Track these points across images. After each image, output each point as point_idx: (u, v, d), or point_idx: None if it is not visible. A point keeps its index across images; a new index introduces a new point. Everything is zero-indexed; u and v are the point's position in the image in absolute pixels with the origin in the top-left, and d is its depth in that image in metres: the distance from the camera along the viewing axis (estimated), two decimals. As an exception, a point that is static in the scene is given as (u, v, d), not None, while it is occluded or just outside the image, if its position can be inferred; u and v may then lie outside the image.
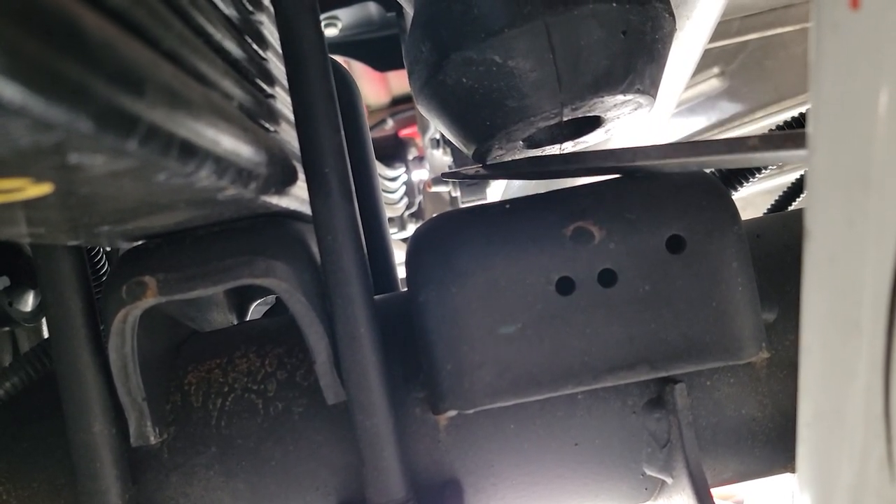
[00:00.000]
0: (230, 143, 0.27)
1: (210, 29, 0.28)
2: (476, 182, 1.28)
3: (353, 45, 1.33)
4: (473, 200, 1.21)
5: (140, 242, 0.37)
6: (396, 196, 1.28)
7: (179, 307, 0.45)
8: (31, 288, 0.51)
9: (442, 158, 1.25)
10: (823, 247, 0.21)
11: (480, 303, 0.37)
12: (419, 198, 1.61)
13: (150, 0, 0.21)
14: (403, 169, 1.48)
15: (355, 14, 1.24)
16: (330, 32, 1.30)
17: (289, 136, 0.40)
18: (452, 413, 0.39)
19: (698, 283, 0.37)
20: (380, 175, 1.25)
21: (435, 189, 1.35)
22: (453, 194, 1.23)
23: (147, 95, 0.19)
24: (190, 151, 0.23)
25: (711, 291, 0.37)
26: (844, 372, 0.22)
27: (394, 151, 1.59)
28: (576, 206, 0.38)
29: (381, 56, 1.27)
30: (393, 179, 1.31)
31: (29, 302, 0.51)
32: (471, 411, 0.38)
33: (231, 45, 0.31)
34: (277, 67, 0.41)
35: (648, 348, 0.37)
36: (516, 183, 1.03)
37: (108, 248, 0.51)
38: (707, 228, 0.37)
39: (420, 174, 1.63)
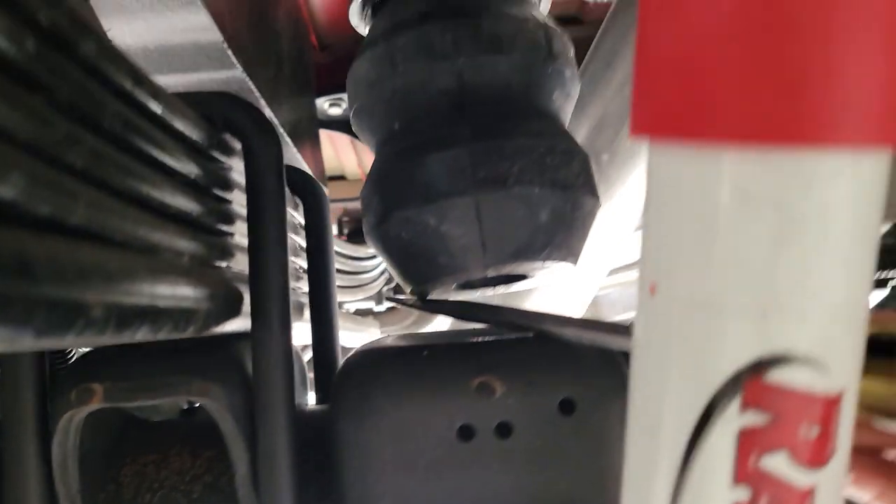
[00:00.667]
0: (169, 301, 0.32)
1: (166, 199, 0.33)
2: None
3: (344, 122, 1.40)
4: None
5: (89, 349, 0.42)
6: (375, 273, 1.34)
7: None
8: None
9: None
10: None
11: (389, 439, 0.41)
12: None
13: (95, 205, 0.26)
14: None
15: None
16: (334, 112, 1.37)
17: (243, 264, 0.46)
18: (354, 534, 0.43)
19: (584, 445, 0.42)
20: (355, 257, 1.30)
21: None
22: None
23: (88, 286, 0.24)
24: (127, 323, 0.27)
25: (596, 453, 0.42)
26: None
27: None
28: (484, 360, 0.43)
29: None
30: (371, 258, 1.36)
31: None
32: (370, 534, 0.42)
33: (190, 205, 0.36)
34: (241, 202, 0.46)
35: (534, 498, 0.42)
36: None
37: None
38: (597, 395, 0.42)
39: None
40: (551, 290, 0.82)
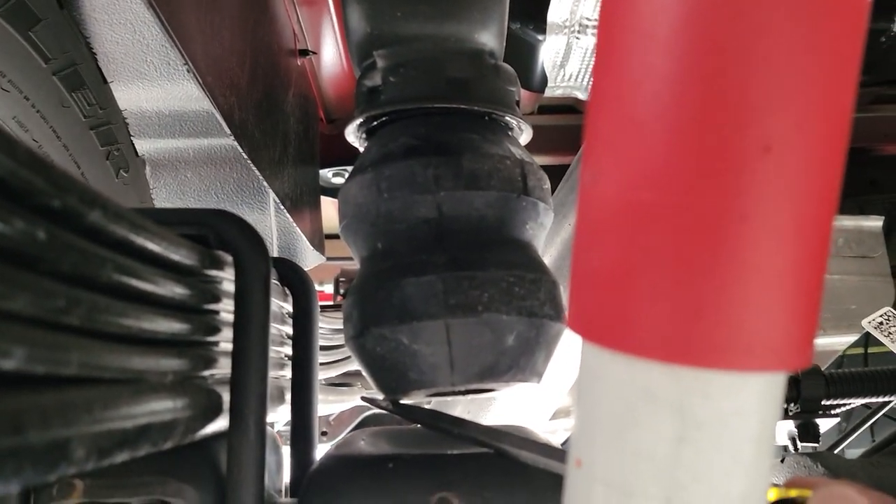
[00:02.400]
0: (150, 418, 0.35)
1: (154, 327, 0.36)
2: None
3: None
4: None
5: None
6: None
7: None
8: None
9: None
10: None
11: (349, 548, 0.44)
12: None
13: (88, 352, 0.30)
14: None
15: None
16: (337, 181, 1.42)
17: (226, 367, 0.49)
18: None
19: (533, 565, 0.44)
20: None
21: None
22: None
23: (76, 425, 0.28)
24: (107, 453, 0.31)
25: (542, 574, 0.44)
26: None
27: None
28: (444, 476, 0.46)
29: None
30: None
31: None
32: None
33: (178, 327, 0.39)
34: (229, 309, 0.50)
35: None
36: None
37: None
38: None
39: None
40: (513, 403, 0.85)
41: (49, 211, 0.26)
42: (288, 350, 0.69)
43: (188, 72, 0.63)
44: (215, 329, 0.46)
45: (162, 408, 0.36)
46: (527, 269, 0.49)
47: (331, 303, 1.98)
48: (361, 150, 0.58)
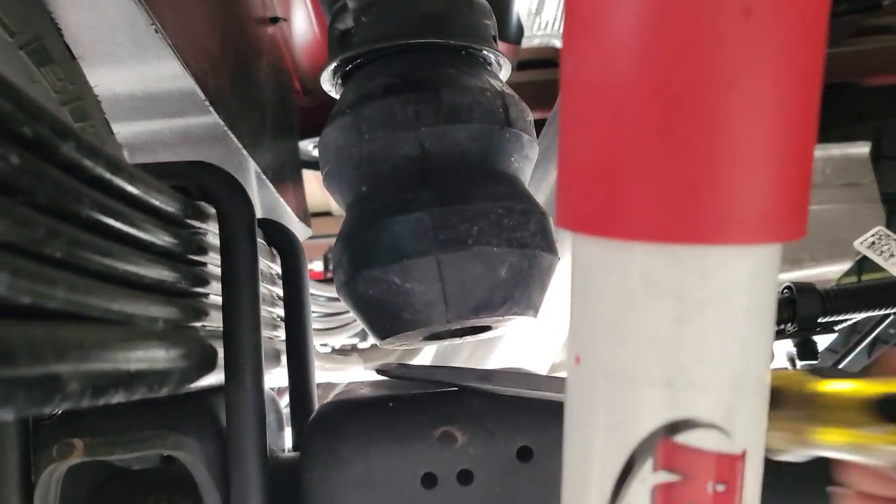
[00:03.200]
0: (143, 364, 0.34)
1: (141, 271, 0.36)
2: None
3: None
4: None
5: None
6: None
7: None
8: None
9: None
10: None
11: (355, 487, 0.44)
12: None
13: (73, 287, 0.29)
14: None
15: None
16: (317, 153, 1.41)
17: (217, 321, 0.48)
18: (322, 580, 0.45)
19: (542, 490, 0.44)
20: (338, 298, 1.32)
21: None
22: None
23: (64, 361, 0.27)
24: (102, 391, 0.30)
25: (552, 497, 0.44)
26: None
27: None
28: (445, 411, 0.45)
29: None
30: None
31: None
32: (337, 580, 0.44)
33: (165, 273, 0.39)
34: (216, 262, 0.49)
35: (494, 542, 0.44)
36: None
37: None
38: (553, 443, 0.44)
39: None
40: (520, 337, 0.85)
41: (20, 138, 0.25)
42: (280, 311, 0.68)
43: (156, 32, 0.62)
44: (203, 280, 0.46)
45: (154, 355, 0.36)
46: (515, 200, 0.48)
47: (321, 279, 1.97)
48: (337, 96, 0.57)
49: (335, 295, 1.19)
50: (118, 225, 0.33)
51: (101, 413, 0.43)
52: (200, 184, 0.46)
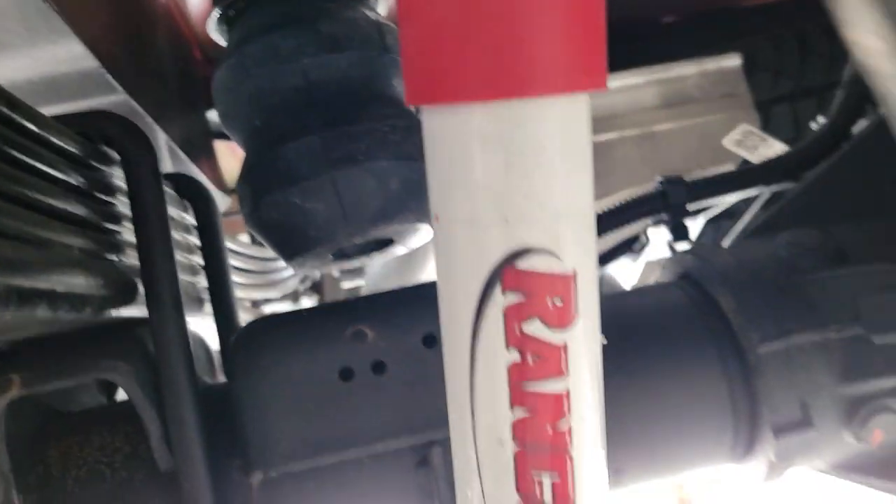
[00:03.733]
0: (64, 284, 0.38)
1: (53, 202, 0.39)
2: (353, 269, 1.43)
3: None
4: (351, 280, 1.35)
5: (5, 346, 0.48)
6: (285, 273, 1.39)
7: (48, 394, 0.54)
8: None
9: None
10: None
11: (278, 388, 0.48)
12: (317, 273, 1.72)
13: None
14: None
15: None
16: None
17: (135, 259, 0.52)
18: (261, 475, 0.50)
19: (447, 370, 0.49)
20: (263, 258, 1.35)
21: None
22: (335, 275, 1.35)
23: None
24: (27, 299, 0.34)
25: (456, 376, 0.49)
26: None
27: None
28: (356, 313, 0.50)
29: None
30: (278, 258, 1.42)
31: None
32: (275, 473, 0.49)
33: (75, 208, 0.42)
34: (126, 204, 0.52)
35: (410, 420, 0.49)
36: (376, 269, 1.16)
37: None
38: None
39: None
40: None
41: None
42: (198, 259, 0.72)
43: (49, 8, 0.64)
44: (115, 218, 0.49)
45: (73, 279, 0.39)
46: (399, 118, 0.53)
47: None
48: (226, 44, 0.60)
49: (260, 254, 1.21)
50: (22, 156, 0.36)
51: (35, 350, 0.47)
52: (102, 131, 0.49)
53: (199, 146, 1.26)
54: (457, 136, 0.31)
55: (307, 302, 1.58)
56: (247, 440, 0.48)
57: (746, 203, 0.77)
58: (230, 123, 0.56)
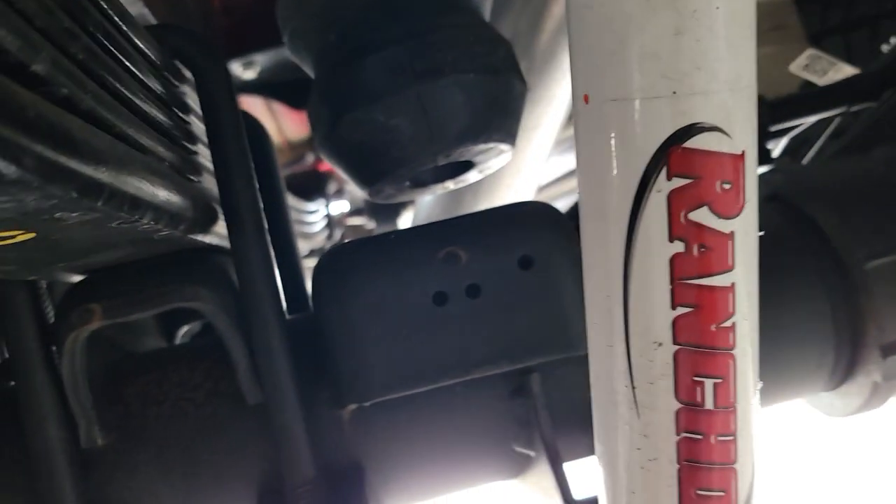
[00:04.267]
0: (164, 196, 0.35)
1: (144, 107, 0.36)
2: (389, 214, 1.40)
3: (272, 86, 1.41)
4: (387, 228, 1.31)
5: (85, 276, 0.45)
6: (316, 228, 1.36)
7: (117, 333, 0.52)
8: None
9: (360, 191, 1.33)
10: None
11: (370, 315, 0.46)
12: (339, 229, 1.69)
13: (97, 97, 0.29)
14: (323, 202, 1.57)
15: (273, 58, 1.33)
16: (249, 75, 1.38)
17: (210, 184, 0.49)
18: (353, 406, 0.48)
19: (544, 294, 0.47)
20: (299, 209, 1.32)
21: (351, 222, 1.42)
22: (368, 227, 1.32)
23: (109, 168, 0.28)
24: (136, 205, 0.31)
25: (554, 300, 0.47)
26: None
27: (313, 185, 1.67)
28: (446, 234, 0.47)
29: (299, 96, 1.35)
30: (312, 212, 1.39)
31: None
32: (367, 404, 0.47)
33: (161, 117, 0.39)
34: (199, 127, 0.49)
35: (507, 346, 0.47)
36: (422, 212, 1.13)
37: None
38: (549, 249, 0.47)
39: (340, 206, 1.71)
40: (494, 198, 0.88)
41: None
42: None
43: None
44: (193, 137, 0.46)
45: (171, 194, 0.36)
46: (483, 28, 0.50)
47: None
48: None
49: (293, 204, 1.18)
50: (117, 50, 0.33)
51: (114, 279, 0.44)
52: (174, 45, 0.45)
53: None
54: (618, 1, 0.27)
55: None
56: (338, 370, 0.46)
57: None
58: (299, 42, 0.53)
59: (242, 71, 1.35)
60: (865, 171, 0.56)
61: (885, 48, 0.75)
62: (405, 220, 1.31)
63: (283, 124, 1.83)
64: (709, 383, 0.30)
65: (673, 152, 0.28)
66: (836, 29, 1.06)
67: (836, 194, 0.54)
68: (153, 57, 0.41)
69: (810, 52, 0.75)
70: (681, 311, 0.30)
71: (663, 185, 0.28)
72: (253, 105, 1.66)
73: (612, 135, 0.29)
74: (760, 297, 0.53)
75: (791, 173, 0.57)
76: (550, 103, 0.81)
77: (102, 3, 0.33)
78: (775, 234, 0.55)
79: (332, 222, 1.52)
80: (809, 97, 0.65)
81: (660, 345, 0.30)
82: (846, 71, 0.75)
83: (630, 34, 0.27)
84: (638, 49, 0.27)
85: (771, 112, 0.62)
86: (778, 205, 0.57)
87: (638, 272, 0.30)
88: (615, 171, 0.29)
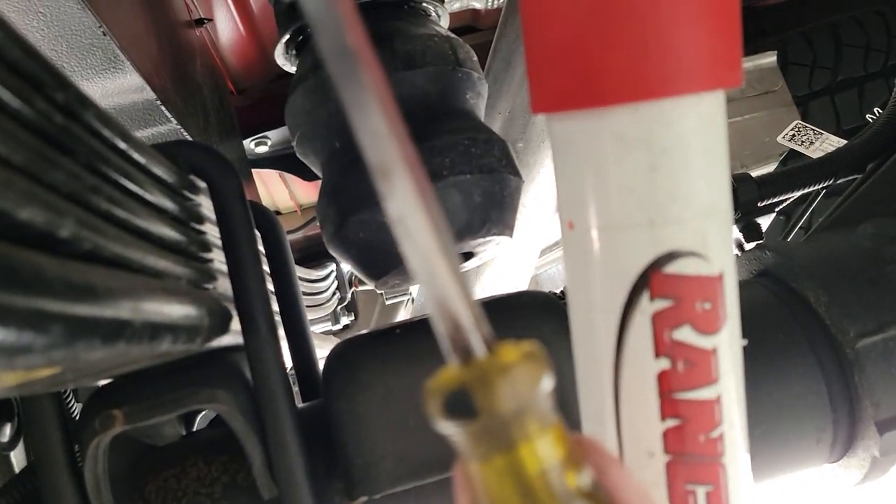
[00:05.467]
0: (181, 315, 0.37)
1: (163, 233, 0.39)
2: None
3: (283, 159, 1.46)
4: (396, 296, 1.34)
5: (107, 381, 0.47)
6: (327, 294, 1.39)
7: (138, 427, 0.54)
8: (7, 421, 0.59)
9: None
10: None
11: (380, 408, 0.48)
12: (350, 290, 1.72)
13: (119, 240, 0.32)
14: (333, 265, 1.60)
15: (282, 133, 1.37)
16: (261, 150, 1.43)
17: (224, 286, 0.51)
18: (364, 499, 0.49)
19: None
20: (309, 279, 1.35)
21: (362, 287, 1.44)
22: (378, 291, 1.34)
23: (129, 305, 0.30)
24: (155, 333, 0.33)
25: (555, 388, 0.49)
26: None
27: (324, 248, 1.70)
28: (450, 328, 0.49)
29: (308, 168, 1.39)
30: (323, 279, 1.42)
31: (6, 433, 0.59)
32: (378, 496, 0.48)
33: (178, 237, 0.42)
34: (214, 232, 0.52)
35: (512, 435, 0.49)
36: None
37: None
38: (549, 339, 0.49)
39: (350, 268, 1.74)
40: (497, 270, 0.90)
41: (54, 103, 0.28)
42: (270, 286, 0.72)
43: (104, 35, 0.64)
44: (208, 247, 0.49)
45: (188, 312, 0.39)
46: (477, 131, 0.53)
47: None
48: (293, 70, 0.60)
49: (305, 275, 1.21)
50: (138, 190, 0.36)
51: (134, 385, 0.46)
52: (189, 160, 0.48)
53: (240, 174, 1.27)
54: (595, 141, 0.30)
55: (345, 320, 1.58)
56: (349, 462, 0.48)
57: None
58: (307, 146, 0.56)
59: (255, 147, 1.40)
60: (853, 247, 0.58)
61: (869, 118, 0.77)
62: (413, 286, 1.33)
63: (294, 190, 1.88)
64: (701, 491, 0.32)
65: (654, 277, 0.30)
66: (824, 91, 1.09)
67: (825, 271, 0.56)
68: (170, 180, 0.43)
69: (796, 123, 0.78)
70: (670, 423, 0.31)
71: (647, 307, 0.31)
72: (266, 171, 1.71)
73: (597, 259, 0.31)
74: (757, 372, 0.54)
75: (780, 250, 0.59)
76: (547, 179, 0.84)
77: (122, 144, 0.36)
78: (767, 311, 0.57)
79: (342, 284, 1.54)
80: (794, 173, 0.68)
81: (652, 455, 0.32)
82: (832, 140, 0.78)
83: (609, 170, 0.30)
84: (615, 183, 0.30)
85: (758, 190, 0.65)
86: (768, 281, 0.59)
87: (628, 387, 0.32)
88: (601, 294, 0.32)
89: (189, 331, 0.39)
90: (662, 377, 0.31)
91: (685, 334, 0.31)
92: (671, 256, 0.30)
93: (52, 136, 0.27)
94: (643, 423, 0.32)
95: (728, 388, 0.32)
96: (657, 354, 0.31)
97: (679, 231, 0.30)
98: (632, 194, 0.30)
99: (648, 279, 0.30)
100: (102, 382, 0.48)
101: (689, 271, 0.30)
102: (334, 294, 1.47)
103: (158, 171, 0.42)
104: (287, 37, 0.57)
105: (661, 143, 0.29)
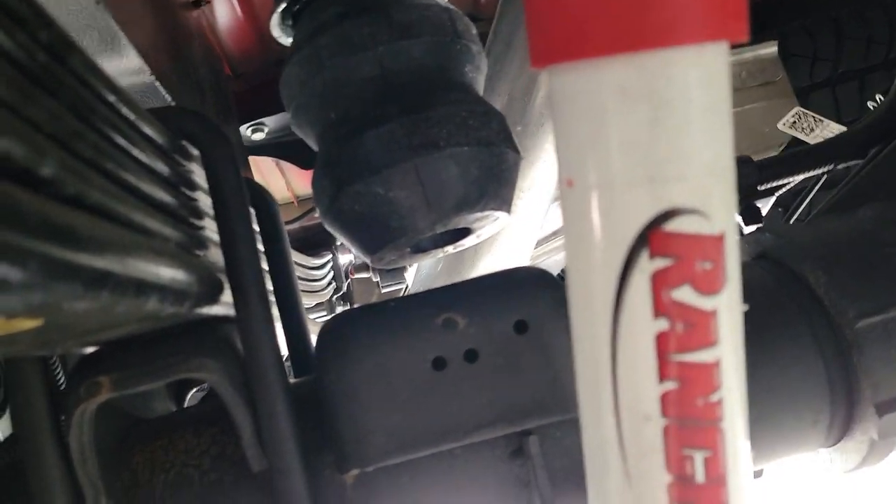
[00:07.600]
0: (169, 276, 0.36)
1: (151, 192, 0.38)
2: (394, 270, 1.41)
3: (280, 147, 1.45)
4: (392, 285, 1.34)
5: (94, 348, 0.46)
6: (323, 283, 1.38)
7: (127, 400, 0.53)
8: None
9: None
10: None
11: (371, 381, 0.47)
12: (346, 281, 1.71)
13: (104, 190, 0.31)
14: (330, 255, 1.59)
15: (281, 120, 1.36)
16: (257, 137, 1.41)
17: (216, 256, 0.50)
18: (355, 471, 0.49)
19: (539, 357, 0.48)
20: (306, 266, 1.34)
21: (358, 276, 1.44)
22: (374, 279, 1.34)
23: (114, 256, 0.29)
24: (141, 289, 0.32)
25: (549, 363, 0.48)
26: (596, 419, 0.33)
27: (321, 238, 1.69)
28: (444, 301, 0.49)
29: (307, 156, 1.38)
30: (319, 268, 1.41)
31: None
32: (370, 469, 0.47)
33: (168, 198, 0.41)
34: (206, 201, 0.51)
35: (505, 409, 0.48)
36: (425, 268, 1.15)
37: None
38: (543, 313, 0.48)
39: (346, 258, 1.73)
40: (495, 256, 0.89)
41: (37, 40, 0.28)
42: (264, 264, 0.71)
43: (98, 3, 0.63)
44: (199, 213, 0.48)
45: (177, 273, 0.38)
46: (475, 103, 0.52)
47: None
48: (288, 42, 0.59)
49: (301, 261, 1.20)
50: (126, 144, 0.35)
51: (122, 352, 0.46)
52: (181, 126, 0.47)
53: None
54: (595, 94, 0.29)
55: (340, 309, 1.57)
56: (341, 436, 0.47)
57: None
58: (302, 118, 0.55)
59: (251, 134, 1.39)
60: (853, 230, 0.58)
61: (871, 105, 0.77)
62: (409, 274, 1.33)
63: (291, 180, 1.87)
64: (699, 456, 0.31)
65: (654, 235, 0.29)
66: (824, 83, 1.08)
67: (825, 253, 0.56)
68: (160, 141, 0.43)
69: (796, 110, 0.77)
70: (668, 385, 0.31)
71: (646, 266, 0.30)
72: (262, 161, 1.70)
73: (596, 217, 0.31)
74: (754, 354, 0.54)
75: (780, 232, 0.59)
76: (545, 164, 0.83)
77: (110, 97, 0.35)
78: (766, 292, 0.57)
79: (338, 275, 1.53)
80: (796, 157, 0.67)
81: (648, 419, 0.31)
82: (833, 128, 0.77)
83: (608, 124, 0.29)
84: (615, 139, 0.29)
85: (759, 173, 0.64)
86: (767, 264, 0.59)
87: (624, 348, 0.31)
88: (600, 253, 0.31)
89: (177, 293, 0.38)
90: (661, 338, 0.30)
91: (685, 294, 0.30)
92: (672, 214, 0.29)
93: (33, 74, 0.26)
94: (640, 386, 0.31)
95: (727, 351, 0.31)
96: (656, 314, 0.30)
97: (680, 188, 0.29)
98: (632, 149, 0.29)
99: (648, 237, 0.29)
100: (90, 350, 0.47)
101: (689, 229, 0.29)
102: (330, 283, 1.46)
103: (148, 130, 0.41)
104: (283, 6, 0.56)
105: (662, 95, 0.28)
